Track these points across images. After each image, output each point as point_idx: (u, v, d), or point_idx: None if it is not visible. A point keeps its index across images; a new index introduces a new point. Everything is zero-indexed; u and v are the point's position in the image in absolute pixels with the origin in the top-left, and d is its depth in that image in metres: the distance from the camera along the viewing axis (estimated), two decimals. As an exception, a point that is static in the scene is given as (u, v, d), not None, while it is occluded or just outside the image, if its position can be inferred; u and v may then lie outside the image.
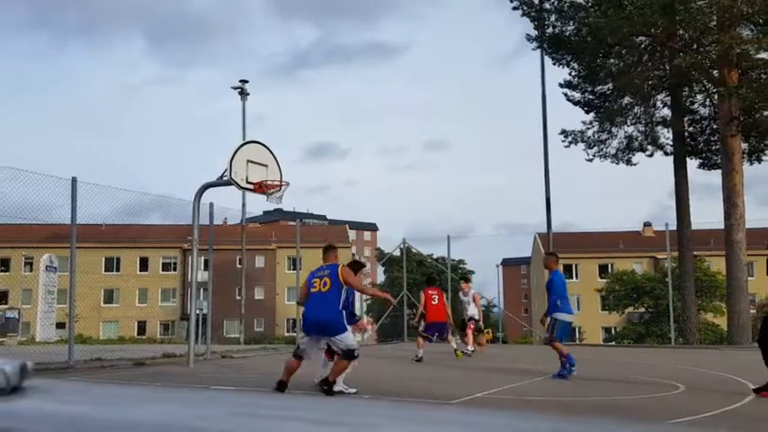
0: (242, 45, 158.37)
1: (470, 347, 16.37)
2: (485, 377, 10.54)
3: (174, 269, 61.99)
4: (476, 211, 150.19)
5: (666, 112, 27.57)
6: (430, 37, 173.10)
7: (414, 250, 32.86)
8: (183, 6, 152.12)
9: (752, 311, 26.61)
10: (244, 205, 26.55)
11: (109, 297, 60.19)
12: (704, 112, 27.74)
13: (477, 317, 17.12)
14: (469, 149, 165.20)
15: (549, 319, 10.42)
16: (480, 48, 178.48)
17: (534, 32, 26.52)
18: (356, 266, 9.69)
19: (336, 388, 8.60)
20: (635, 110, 27.82)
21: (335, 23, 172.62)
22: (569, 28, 26.28)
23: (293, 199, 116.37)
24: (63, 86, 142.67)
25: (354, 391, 8.70)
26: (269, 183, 13.76)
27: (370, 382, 9.15)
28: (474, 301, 17.17)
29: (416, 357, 13.86)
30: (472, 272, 67.71)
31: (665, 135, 27.78)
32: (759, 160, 26.27)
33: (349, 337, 8.09)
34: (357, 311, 10.16)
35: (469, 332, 16.78)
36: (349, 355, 7.94)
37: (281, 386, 8.05)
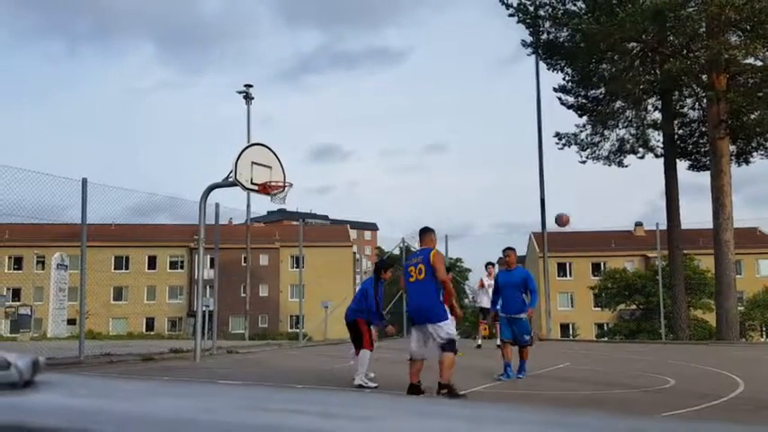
0: (249, 51, 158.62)
1: (480, 340, 16.41)
2: (481, 372, 10.53)
3: (181, 267, 62.00)
4: (473, 211, 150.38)
5: (657, 115, 27.58)
6: (431, 43, 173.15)
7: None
8: (193, 13, 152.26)
9: (740, 308, 26.62)
10: (248, 206, 26.61)
11: (118, 294, 60.20)
12: (693, 115, 27.75)
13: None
14: (468, 151, 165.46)
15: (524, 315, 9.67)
16: (479, 53, 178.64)
17: (529, 39, 26.56)
18: (384, 264, 9.50)
19: (356, 382, 8.55)
20: (627, 113, 27.82)
21: (340, 30, 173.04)
22: (563, 34, 26.28)
23: (296, 199, 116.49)
24: (76, 90, 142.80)
25: (375, 386, 8.66)
26: (273, 184, 13.77)
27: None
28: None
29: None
30: (469, 270, 67.81)
31: (656, 138, 27.80)
32: (746, 162, 26.27)
33: (450, 326, 7.65)
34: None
35: (482, 325, 16.59)
36: (450, 346, 7.45)
37: (414, 389, 7.66)
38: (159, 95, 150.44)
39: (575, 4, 25.53)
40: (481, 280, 16.65)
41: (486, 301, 16.25)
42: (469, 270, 68.40)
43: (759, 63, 23.21)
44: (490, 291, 16.29)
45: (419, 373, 7.64)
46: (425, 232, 8.12)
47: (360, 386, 8.51)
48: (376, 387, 8.63)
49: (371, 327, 8.97)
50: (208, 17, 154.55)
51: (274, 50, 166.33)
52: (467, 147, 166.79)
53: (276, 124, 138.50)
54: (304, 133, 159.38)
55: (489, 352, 16.00)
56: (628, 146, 28.08)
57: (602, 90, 26.96)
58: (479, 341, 16.47)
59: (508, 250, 10.23)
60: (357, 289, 10.53)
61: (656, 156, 27.60)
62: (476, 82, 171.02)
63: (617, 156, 28.18)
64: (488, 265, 16.96)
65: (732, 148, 25.16)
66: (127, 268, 60.79)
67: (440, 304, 7.52)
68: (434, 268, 7.54)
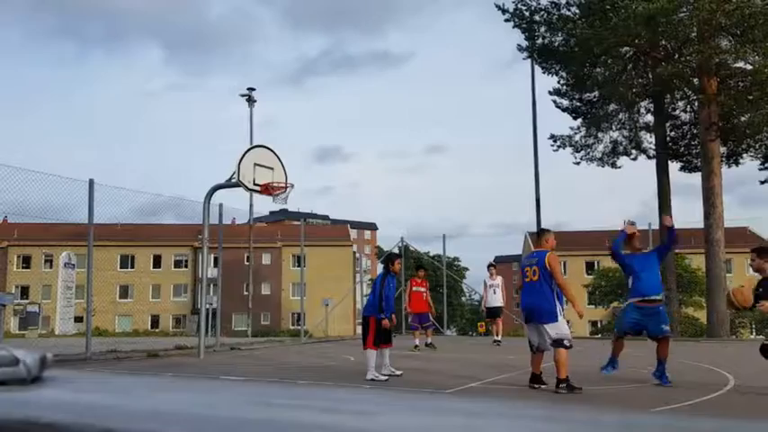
0: (254, 54, 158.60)
1: (498, 337, 16.26)
2: (477, 368, 10.53)
3: (186, 266, 61.98)
4: (471, 211, 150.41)
5: (649, 118, 27.61)
6: (432, 47, 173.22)
7: (411, 248, 32.85)
8: (200, 18, 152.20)
9: (730, 306, 26.45)
10: (251, 206, 26.61)
11: (124, 292, 60.18)
12: (685, 117, 27.77)
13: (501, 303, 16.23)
14: (467, 153, 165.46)
15: None
16: (479, 57, 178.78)
17: (525, 43, 26.56)
18: (391, 257, 9.35)
19: (368, 377, 8.60)
20: (620, 116, 27.85)
21: (343, 34, 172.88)
22: (558, 39, 26.29)
23: (298, 200, 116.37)
24: (85, 92, 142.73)
25: (385, 379, 8.72)
26: (275, 185, 13.77)
27: (366, 373, 9.13)
28: (501, 288, 16.21)
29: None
30: (466, 268, 67.79)
31: (649, 140, 27.82)
32: (737, 163, 26.30)
33: (559, 326, 7.52)
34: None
35: (499, 322, 16.42)
36: (560, 343, 7.40)
37: (536, 379, 7.76)
38: (166, 98, 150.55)
39: (569, 10, 25.55)
40: (485, 280, 16.46)
41: (491, 301, 16.15)
42: (467, 269, 68.48)
43: (749, 67, 23.23)
44: (490, 291, 16.16)
45: (540, 364, 7.80)
46: (542, 234, 8.07)
47: (372, 380, 8.60)
48: (386, 380, 8.68)
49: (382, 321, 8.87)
50: (215, 22, 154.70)
51: (279, 54, 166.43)
52: (466, 148, 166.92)
53: (280, 126, 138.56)
54: (307, 135, 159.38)
55: (482, 348, 16.00)
56: (621, 148, 28.11)
57: (596, 93, 26.99)
58: (497, 337, 16.21)
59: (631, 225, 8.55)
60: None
61: (649, 157, 27.63)
62: (475, 85, 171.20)
63: (610, 157, 28.21)
64: (490, 266, 16.80)
65: (723, 149, 25.18)
66: (132, 267, 60.77)
67: (551, 304, 7.47)
68: (551, 270, 7.52)
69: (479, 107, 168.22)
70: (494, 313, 16.36)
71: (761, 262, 7.25)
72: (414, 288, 14.86)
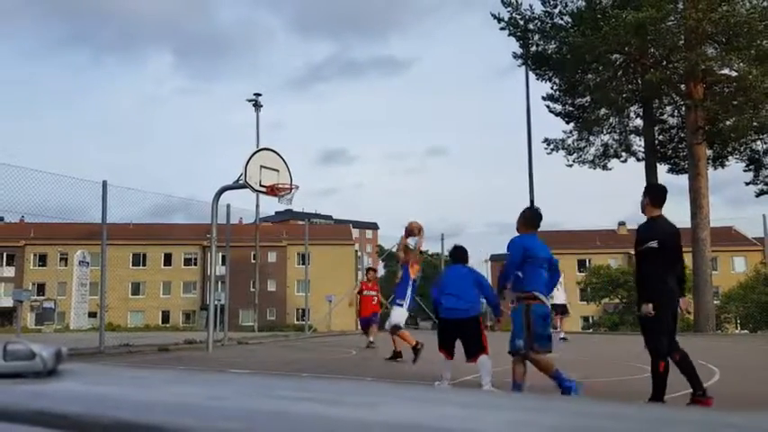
0: (263, 60, 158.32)
1: (562, 333, 15.83)
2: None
3: (195, 264, 62.00)
4: (468, 210, 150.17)
5: (639, 122, 27.60)
6: (434, 53, 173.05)
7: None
8: (209, 24, 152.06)
9: (716, 302, 26.55)
10: (257, 206, 26.60)
11: (136, 289, 60.21)
12: (673, 122, 27.77)
13: (564, 301, 15.62)
14: (466, 155, 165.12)
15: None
16: (478, 63, 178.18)
17: (520, 50, 26.57)
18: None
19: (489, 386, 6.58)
20: (610, 120, 27.84)
21: (348, 40, 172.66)
22: (551, 46, 26.30)
23: (304, 200, 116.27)
24: (99, 97, 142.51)
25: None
26: (280, 186, 13.78)
27: (369, 366, 9.14)
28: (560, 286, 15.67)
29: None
30: (463, 266, 67.71)
31: (638, 143, 27.82)
32: (722, 165, 26.29)
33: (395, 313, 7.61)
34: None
35: (557, 318, 15.77)
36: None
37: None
38: (176, 102, 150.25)
39: (562, 19, 25.56)
40: None
41: (556, 298, 15.77)
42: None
43: (734, 73, 23.22)
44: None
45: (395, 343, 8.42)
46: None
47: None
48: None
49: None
50: (225, 28, 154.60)
51: (286, 59, 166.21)
52: (465, 150, 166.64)
53: (287, 129, 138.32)
54: (313, 138, 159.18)
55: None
56: (611, 150, 28.11)
57: (588, 98, 26.97)
58: (562, 334, 15.66)
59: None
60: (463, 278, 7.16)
61: (638, 160, 27.62)
62: (475, 89, 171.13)
63: (601, 160, 28.20)
64: None
65: (709, 152, 25.17)
66: (144, 265, 60.80)
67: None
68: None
69: (479, 111, 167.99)
70: (558, 310, 15.59)
71: None
72: (364, 292, 13.49)
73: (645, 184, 6.91)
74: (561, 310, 15.76)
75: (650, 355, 5.82)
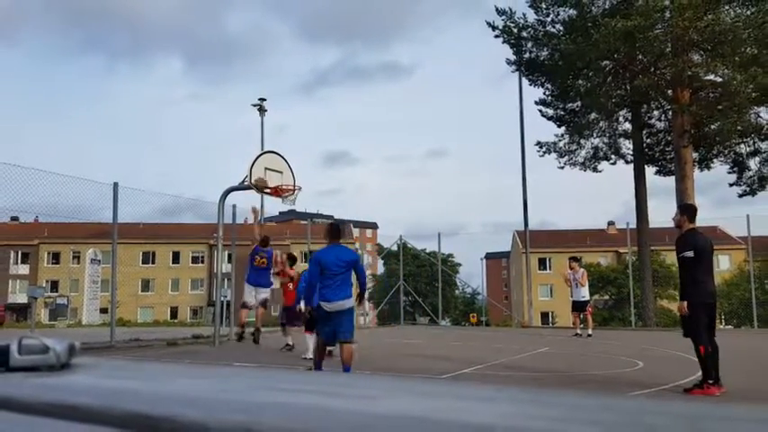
0: (270, 65, 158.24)
1: (590, 330, 15.49)
2: (469, 355, 10.53)
3: (202, 262, 61.98)
4: (465, 211, 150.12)
5: (627, 126, 27.58)
6: (435, 59, 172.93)
7: (409, 245, 32.86)
8: (219, 31, 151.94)
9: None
10: (262, 206, 26.54)
11: (145, 286, 60.19)
12: (660, 126, 27.74)
13: (588, 298, 15.47)
14: (464, 157, 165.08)
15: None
16: (477, 69, 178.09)
17: (513, 57, 26.58)
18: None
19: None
20: (600, 124, 27.82)
21: (354, 47, 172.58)
22: (544, 53, 26.30)
23: (306, 201, 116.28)
24: (112, 101, 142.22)
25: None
26: (284, 187, 13.77)
27: (369, 360, 9.14)
28: (583, 280, 15.28)
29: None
30: (459, 264, 67.76)
31: (627, 146, 27.80)
32: (708, 168, 26.28)
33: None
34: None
35: (589, 316, 15.57)
36: None
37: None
38: (187, 106, 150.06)
39: (554, 27, 25.55)
40: (566, 275, 15.66)
41: (575, 294, 15.44)
42: (460, 264, 68.42)
43: (719, 79, 23.23)
44: (573, 285, 15.37)
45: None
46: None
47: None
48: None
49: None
50: (234, 35, 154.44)
51: (293, 65, 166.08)
52: (464, 152, 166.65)
53: (292, 132, 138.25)
54: (317, 140, 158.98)
55: (474, 337, 16.00)
56: (601, 153, 28.09)
57: (579, 103, 26.97)
58: (588, 330, 15.37)
59: None
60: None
61: (627, 162, 27.61)
62: (473, 95, 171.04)
63: (592, 162, 28.18)
64: (571, 260, 16.05)
65: (695, 155, 25.16)
66: (153, 263, 60.78)
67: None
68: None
69: (477, 115, 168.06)
70: (577, 307, 15.60)
71: None
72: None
73: (679, 204, 8.05)
74: (582, 306, 15.47)
75: (692, 342, 6.47)
